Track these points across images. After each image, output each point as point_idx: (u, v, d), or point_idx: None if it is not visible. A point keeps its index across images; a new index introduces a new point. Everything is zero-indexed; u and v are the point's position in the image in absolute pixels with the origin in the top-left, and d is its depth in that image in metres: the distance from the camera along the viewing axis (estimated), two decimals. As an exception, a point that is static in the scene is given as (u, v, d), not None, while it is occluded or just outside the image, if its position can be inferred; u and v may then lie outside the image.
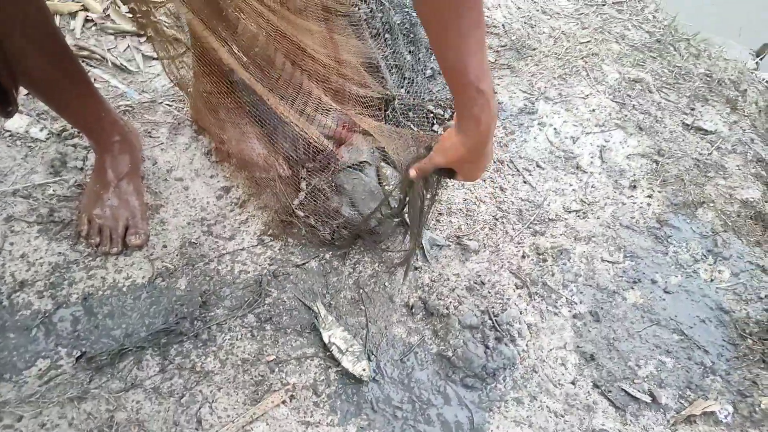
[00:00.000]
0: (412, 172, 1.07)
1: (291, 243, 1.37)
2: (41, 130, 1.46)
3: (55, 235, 1.30)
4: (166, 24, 1.73)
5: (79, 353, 1.14)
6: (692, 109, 1.86)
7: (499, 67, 1.79)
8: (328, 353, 1.22)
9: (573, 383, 1.27)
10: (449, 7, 0.76)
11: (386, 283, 1.35)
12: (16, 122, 1.45)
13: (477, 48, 0.80)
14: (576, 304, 1.39)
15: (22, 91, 1.52)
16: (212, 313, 1.24)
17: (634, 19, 2.13)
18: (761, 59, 2.93)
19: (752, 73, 2.29)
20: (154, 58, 1.66)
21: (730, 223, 1.58)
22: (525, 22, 1.94)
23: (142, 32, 1.63)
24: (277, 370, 1.18)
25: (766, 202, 1.66)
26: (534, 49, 1.85)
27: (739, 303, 1.45)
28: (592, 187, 1.58)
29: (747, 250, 1.54)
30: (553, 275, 1.42)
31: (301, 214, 1.40)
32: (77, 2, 1.75)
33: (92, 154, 1.39)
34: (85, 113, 1.26)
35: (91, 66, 1.62)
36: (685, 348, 1.37)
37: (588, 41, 1.95)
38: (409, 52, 1.72)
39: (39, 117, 1.48)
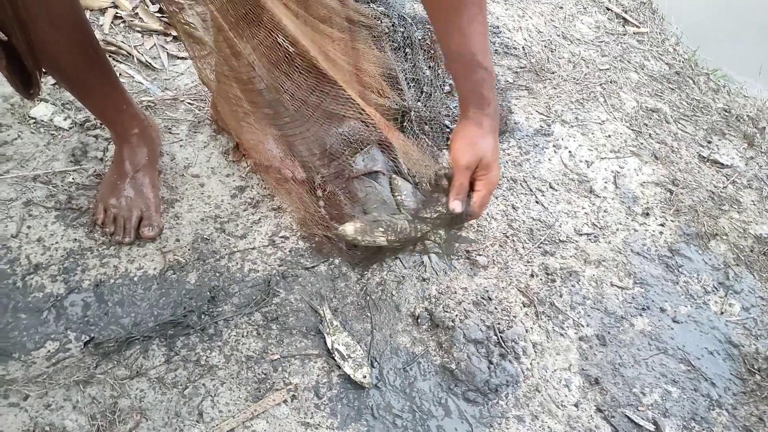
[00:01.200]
0: (456, 205, 1.00)
1: (301, 246, 1.38)
2: (65, 119, 1.49)
3: (71, 221, 1.32)
4: (192, 25, 1.77)
5: (87, 338, 1.15)
6: (709, 142, 1.86)
7: (517, 87, 1.81)
8: (331, 356, 1.22)
9: (576, 406, 1.26)
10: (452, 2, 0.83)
11: (393, 292, 1.35)
12: (41, 110, 1.49)
13: (480, 32, 0.86)
14: (583, 326, 1.38)
15: (50, 80, 1.56)
16: (220, 309, 1.25)
17: (654, 50, 2.16)
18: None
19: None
20: (178, 57, 1.69)
21: (742, 258, 1.58)
22: (545, 46, 1.96)
23: (174, 32, 1.67)
24: (280, 369, 1.18)
25: (779, 238, 1.66)
26: (553, 73, 1.87)
27: (748, 338, 1.44)
28: (604, 211, 1.59)
29: (759, 285, 1.53)
30: (561, 296, 1.42)
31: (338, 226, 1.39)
32: (108, -1, 1.80)
33: (113, 146, 1.42)
34: (107, 104, 1.29)
35: (117, 61, 1.66)
36: (692, 379, 1.35)
37: (607, 68, 1.96)
38: (429, 67, 1.75)
39: (64, 106, 1.51)
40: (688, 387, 1.34)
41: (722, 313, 1.46)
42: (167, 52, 1.69)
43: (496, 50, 1.88)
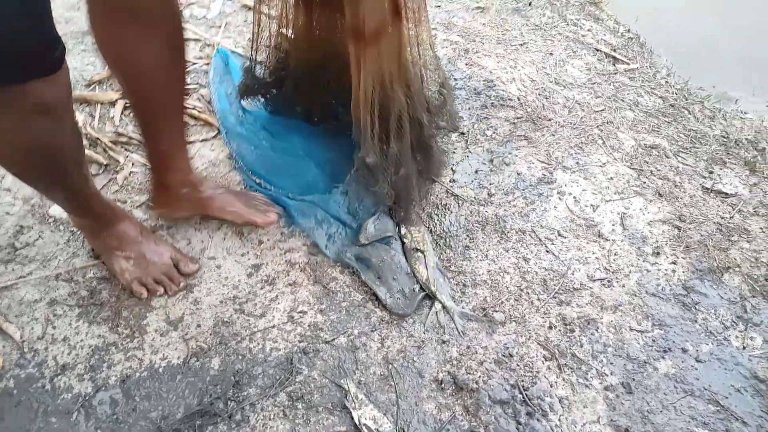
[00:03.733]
0: None
1: (320, 320, 1.40)
2: (83, 214, 1.54)
3: (94, 317, 1.35)
4: (199, 109, 1.84)
5: (117, 437, 1.16)
6: (711, 173, 1.88)
7: (516, 138, 1.85)
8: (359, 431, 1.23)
9: (608, 460, 1.25)
10: None
11: (415, 358, 1.36)
12: (59, 209, 1.54)
13: None
14: (607, 375, 1.38)
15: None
16: (245, 393, 1.26)
17: (647, 86, 2.20)
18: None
19: (768, 129, 2.31)
20: (188, 142, 1.75)
21: (758, 288, 1.57)
22: (539, 94, 2.01)
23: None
24: (309, 451, 1.19)
25: (793, 264, 1.66)
26: (549, 120, 1.92)
27: (774, 371, 1.42)
28: (615, 254, 1.60)
29: (778, 315, 1.53)
30: (581, 346, 1.42)
31: None
32: (116, 91, 1.88)
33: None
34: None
35: (129, 151, 1.72)
36: (722, 419, 1.34)
37: (602, 110, 2.01)
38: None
39: (81, 202, 1.56)
40: (719, 428, 1.32)
41: (744, 347, 1.46)
42: (175, 138, 1.75)
43: (492, 103, 1.93)
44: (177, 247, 1.47)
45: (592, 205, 1.71)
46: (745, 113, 2.47)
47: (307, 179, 1.69)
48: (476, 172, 1.76)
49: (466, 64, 2.03)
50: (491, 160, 1.78)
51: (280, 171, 1.71)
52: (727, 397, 1.37)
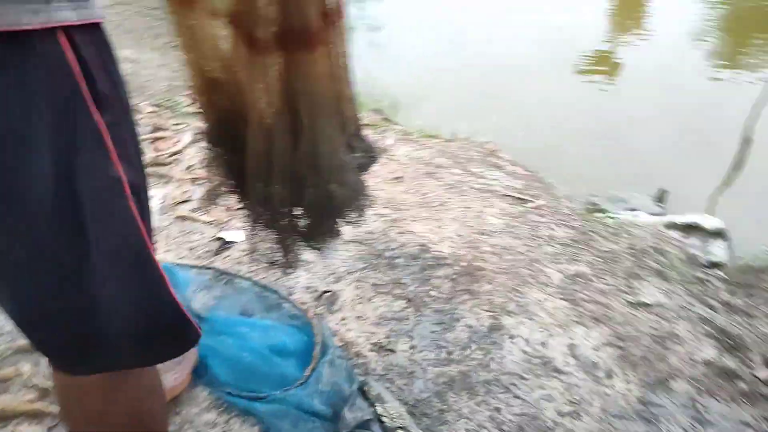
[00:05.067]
0: None
1: None
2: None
3: None
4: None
5: None
6: (630, 287, 2.13)
7: (458, 293, 2.03)
8: None
9: None
10: None
11: None
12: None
13: None
14: None
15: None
16: None
17: (555, 218, 2.51)
18: (663, 203, 3.42)
19: (663, 231, 2.66)
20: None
21: (702, 387, 1.75)
22: (469, 246, 2.25)
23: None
24: None
25: (722, 357, 1.86)
26: (483, 270, 2.13)
27: (741, 466, 1.55)
28: (575, 386, 1.74)
29: (727, 410, 1.69)
30: (570, 487, 1.49)
31: None
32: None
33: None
34: None
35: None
36: None
37: (525, 250, 2.26)
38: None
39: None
40: None
41: (710, 450, 1.59)
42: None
43: (429, 264, 2.13)
44: None
45: (541, 342, 1.87)
46: (635, 210, 2.88)
47: (276, 374, 1.75)
48: (431, 333, 1.89)
49: (398, 233, 2.26)
50: (442, 320, 1.93)
51: (247, 373, 1.75)
52: (710, 504, 1.47)
